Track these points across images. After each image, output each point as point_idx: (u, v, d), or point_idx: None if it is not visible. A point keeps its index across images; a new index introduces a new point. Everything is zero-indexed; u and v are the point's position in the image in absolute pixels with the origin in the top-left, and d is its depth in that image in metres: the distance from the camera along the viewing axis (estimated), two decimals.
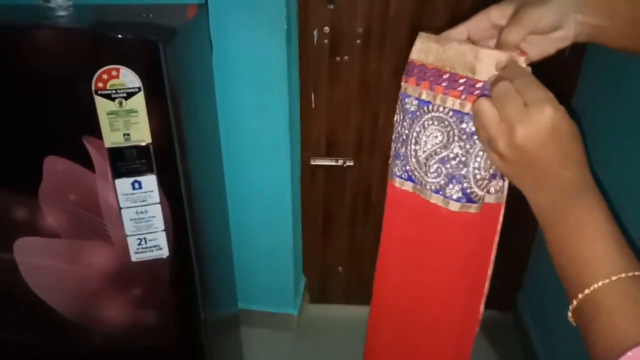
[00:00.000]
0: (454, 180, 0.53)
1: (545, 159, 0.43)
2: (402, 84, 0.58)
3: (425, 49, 0.54)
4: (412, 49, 0.56)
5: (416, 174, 0.57)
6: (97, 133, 1.01)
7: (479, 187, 0.52)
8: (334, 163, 1.87)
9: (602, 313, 0.39)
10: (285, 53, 1.52)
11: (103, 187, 1.08)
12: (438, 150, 0.53)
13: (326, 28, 1.63)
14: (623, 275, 0.39)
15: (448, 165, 0.52)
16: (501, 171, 0.48)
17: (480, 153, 0.51)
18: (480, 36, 0.54)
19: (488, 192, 0.54)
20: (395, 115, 0.60)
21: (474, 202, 0.53)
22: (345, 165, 1.87)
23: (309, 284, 2.18)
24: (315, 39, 1.65)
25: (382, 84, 1.72)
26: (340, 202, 1.97)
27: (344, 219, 2.00)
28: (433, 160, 0.54)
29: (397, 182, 0.60)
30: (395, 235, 0.64)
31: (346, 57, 1.68)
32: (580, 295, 0.41)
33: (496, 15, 0.51)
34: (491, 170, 0.52)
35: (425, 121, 0.54)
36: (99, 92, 0.97)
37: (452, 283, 0.61)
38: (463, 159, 0.51)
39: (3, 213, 1.10)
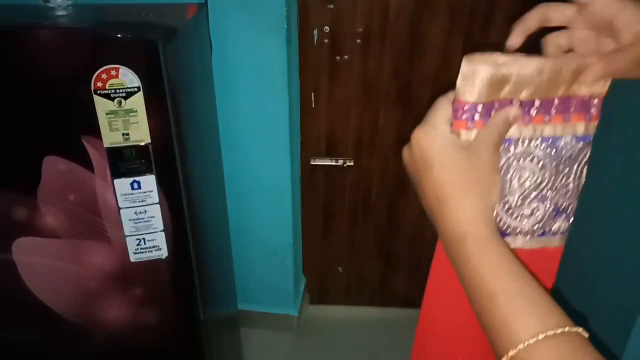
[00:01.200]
0: (559, 214, 0.46)
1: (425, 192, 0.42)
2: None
3: (492, 83, 0.40)
4: (464, 86, 0.41)
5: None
6: (96, 133, 1.01)
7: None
8: (334, 163, 1.87)
9: None
10: (285, 53, 1.52)
11: (102, 187, 1.07)
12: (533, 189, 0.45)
13: (326, 28, 1.63)
14: (550, 332, 0.35)
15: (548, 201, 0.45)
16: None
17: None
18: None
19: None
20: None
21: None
22: (345, 165, 1.87)
23: (309, 285, 2.17)
24: (315, 38, 1.65)
25: (382, 83, 1.72)
26: (340, 202, 1.96)
27: (344, 219, 2.00)
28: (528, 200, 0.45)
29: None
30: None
31: (346, 57, 1.68)
32: (505, 358, 0.37)
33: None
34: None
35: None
36: (98, 92, 0.97)
37: None
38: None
39: (2, 213, 1.10)
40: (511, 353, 0.36)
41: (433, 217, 0.44)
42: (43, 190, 1.08)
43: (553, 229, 0.46)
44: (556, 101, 0.43)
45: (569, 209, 0.46)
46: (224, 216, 1.71)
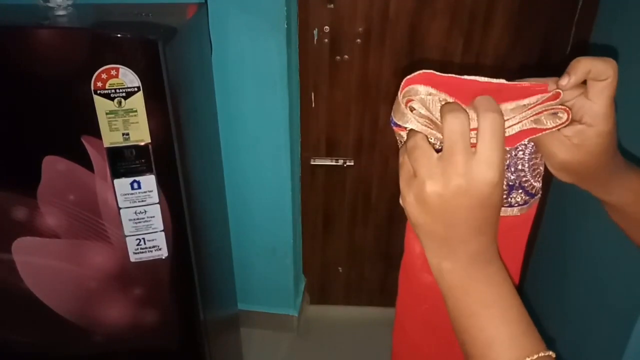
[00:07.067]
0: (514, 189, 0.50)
1: (465, 223, 0.39)
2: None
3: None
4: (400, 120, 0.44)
5: None
6: (96, 133, 1.01)
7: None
8: (334, 163, 1.87)
9: None
10: (285, 52, 1.52)
11: (102, 187, 1.07)
12: None
13: (326, 27, 1.63)
14: (534, 357, 0.37)
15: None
16: (411, 217, 0.44)
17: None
18: None
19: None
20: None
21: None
22: (345, 165, 1.87)
23: (309, 285, 2.17)
24: (315, 38, 1.65)
25: (382, 83, 1.72)
26: (340, 202, 1.96)
27: (344, 219, 2.00)
28: None
29: None
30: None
31: (346, 57, 1.68)
32: None
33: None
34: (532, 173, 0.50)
35: None
36: (98, 92, 0.97)
37: None
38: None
39: (1, 213, 1.10)
40: None
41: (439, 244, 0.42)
42: (43, 190, 1.08)
43: (510, 201, 0.51)
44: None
45: (526, 185, 0.51)
46: (224, 216, 1.71)
